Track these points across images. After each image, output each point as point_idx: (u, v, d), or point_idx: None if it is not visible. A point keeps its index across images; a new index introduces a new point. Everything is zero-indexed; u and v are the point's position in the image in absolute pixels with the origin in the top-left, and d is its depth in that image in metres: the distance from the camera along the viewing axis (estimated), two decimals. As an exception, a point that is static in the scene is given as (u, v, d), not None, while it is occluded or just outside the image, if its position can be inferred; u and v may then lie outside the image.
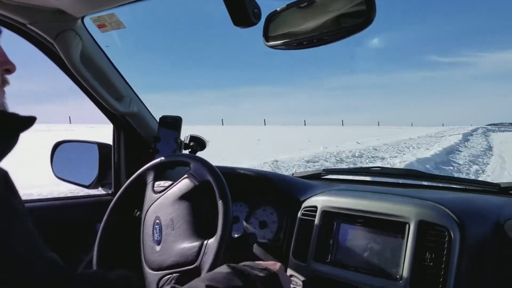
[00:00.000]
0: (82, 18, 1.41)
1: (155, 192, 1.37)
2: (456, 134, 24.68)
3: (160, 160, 1.43)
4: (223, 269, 0.90)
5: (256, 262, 1.01)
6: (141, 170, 1.44)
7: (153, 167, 1.43)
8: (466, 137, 23.18)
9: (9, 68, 0.90)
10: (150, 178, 1.42)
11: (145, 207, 1.37)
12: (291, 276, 1.35)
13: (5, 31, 0.98)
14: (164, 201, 1.31)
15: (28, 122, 0.83)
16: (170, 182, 1.36)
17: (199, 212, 1.30)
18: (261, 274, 0.91)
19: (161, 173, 1.45)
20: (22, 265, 0.66)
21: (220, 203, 1.21)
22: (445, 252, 1.06)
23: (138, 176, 1.43)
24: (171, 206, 1.28)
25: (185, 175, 1.32)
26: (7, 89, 0.90)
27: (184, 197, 1.27)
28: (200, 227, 1.28)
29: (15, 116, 0.82)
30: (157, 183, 1.40)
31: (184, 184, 1.30)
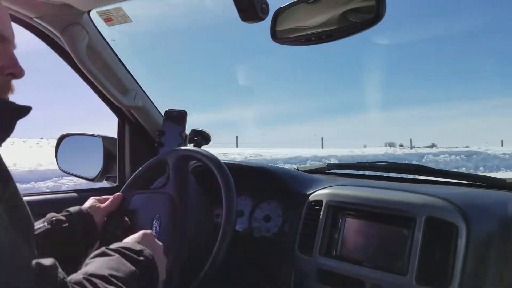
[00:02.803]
0: (89, 12, 1.41)
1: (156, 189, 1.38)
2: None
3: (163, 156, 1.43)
4: (101, 255, 0.89)
5: (129, 240, 1.01)
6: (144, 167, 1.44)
7: (156, 163, 1.43)
8: None
9: (15, 72, 0.86)
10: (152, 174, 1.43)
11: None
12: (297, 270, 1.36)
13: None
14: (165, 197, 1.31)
15: (24, 110, 0.84)
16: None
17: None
18: (140, 258, 0.92)
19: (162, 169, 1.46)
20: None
21: (224, 196, 1.22)
22: (452, 248, 1.07)
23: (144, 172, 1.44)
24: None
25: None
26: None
27: None
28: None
29: (12, 104, 0.83)
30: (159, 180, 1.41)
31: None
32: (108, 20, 1.42)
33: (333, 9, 0.93)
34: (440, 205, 1.14)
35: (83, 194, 1.94)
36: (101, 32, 1.53)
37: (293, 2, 1.02)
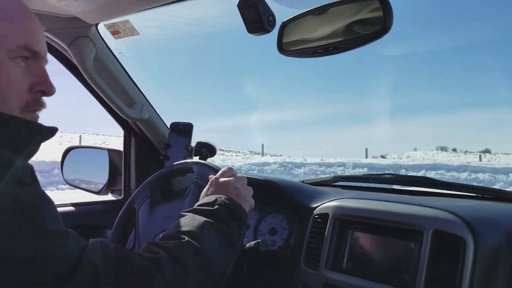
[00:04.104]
0: (96, 25, 1.43)
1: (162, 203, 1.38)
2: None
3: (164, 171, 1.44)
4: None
5: (205, 195, 1.10)
6: (147, 181, 1.44)
7: (159, 178, 1.43)
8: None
9: (45, 90, 0.84)
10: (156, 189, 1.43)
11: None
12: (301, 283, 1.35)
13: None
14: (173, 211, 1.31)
15: (50, 132, 0.84)
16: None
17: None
18: (215, 207, 1.00)
19: (167, 182, 1.46)
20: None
21: None
22: (459, 261, 1.05)
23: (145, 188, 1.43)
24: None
25: (192, 183, 1.33)
26: None
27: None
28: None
29: (39, 126, 0.83)
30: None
31: (194, 191, 1.30)
32: (115, 33, 1.44)
33: (340, 21, 0.93)
34: (447, 218, 1.13)
35: (88, 207, 1.94)
36: (108, 44, 1.54)
37: (300, 14, 1.02)
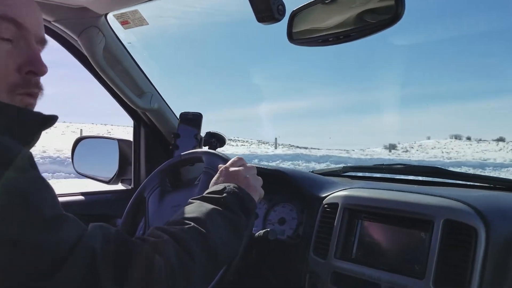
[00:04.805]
0: (106, 15, 1.43)
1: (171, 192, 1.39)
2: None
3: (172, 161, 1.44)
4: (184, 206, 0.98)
5: (214, 183, 1.10)
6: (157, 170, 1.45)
7: (168, 168, 1.44)
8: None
9: (34, 70, 0.78)
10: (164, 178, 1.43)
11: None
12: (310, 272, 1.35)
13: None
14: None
15: (50, 120, 0.81)
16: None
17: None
18: (223, 195, 0.98)
19: (176, 171, 1.47)
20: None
21: None
22: (470, 251, 1.05)
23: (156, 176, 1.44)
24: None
25: (202, 173, 1.33)
26: None
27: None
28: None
29: (39, 114, 0.80)
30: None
31: (203, 181, 1.30)
32: (124, 23, 1.44)
33: (351, 9, 0.92)
34: (459, 208, 1.12)
35: (98, 196, 1.96)
36: (118, 35, 1.54)
37: (310, 2, 1.01)
